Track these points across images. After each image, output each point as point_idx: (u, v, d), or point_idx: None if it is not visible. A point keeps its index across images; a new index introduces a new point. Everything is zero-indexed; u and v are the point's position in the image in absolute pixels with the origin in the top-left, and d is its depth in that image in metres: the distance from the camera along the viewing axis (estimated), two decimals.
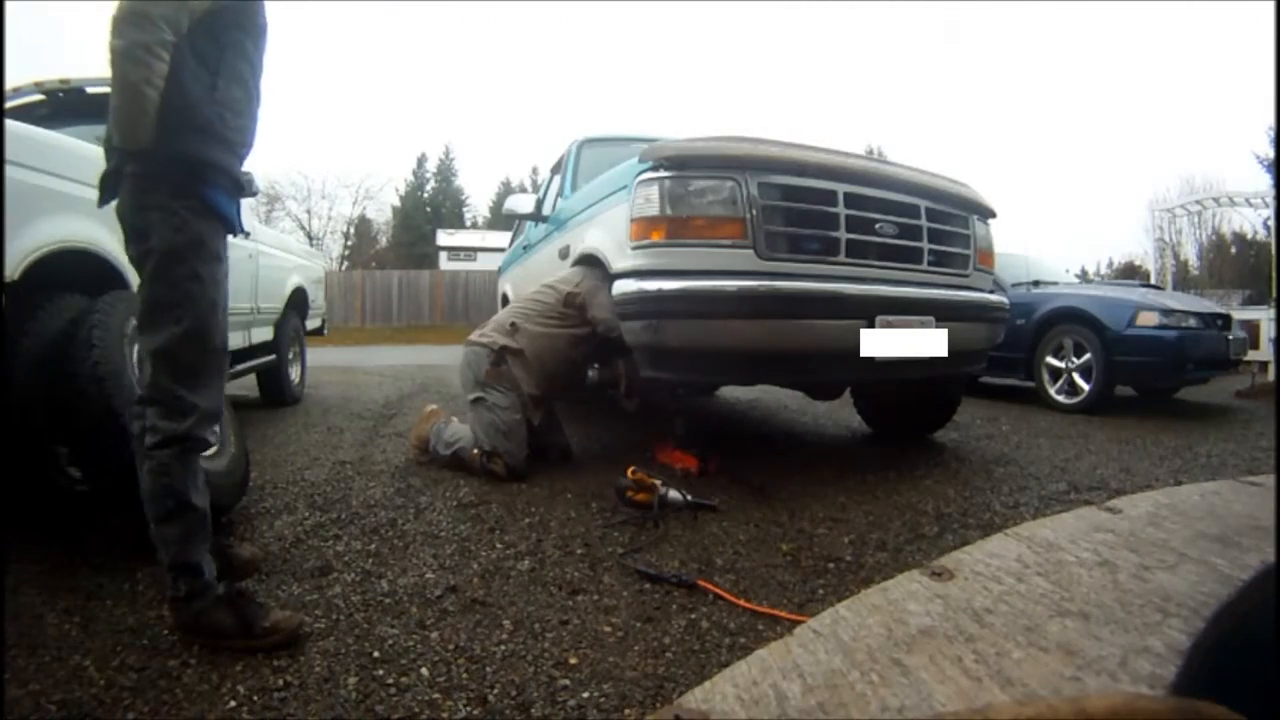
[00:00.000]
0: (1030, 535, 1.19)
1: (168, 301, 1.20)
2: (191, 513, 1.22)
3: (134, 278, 1.34)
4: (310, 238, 28.27)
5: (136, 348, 1.58)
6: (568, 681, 1.11)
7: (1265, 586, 0.99)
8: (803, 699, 0.70)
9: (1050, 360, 4.46)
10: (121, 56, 1.11)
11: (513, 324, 2.53)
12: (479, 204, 36.86)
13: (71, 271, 1.83)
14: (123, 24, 1.11)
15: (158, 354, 1.21)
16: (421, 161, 35.55)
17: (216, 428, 1.34)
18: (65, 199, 1.82)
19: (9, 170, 1.60)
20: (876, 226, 2.29)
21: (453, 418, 2.75)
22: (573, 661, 1.18)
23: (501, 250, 6.33)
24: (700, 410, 4.21)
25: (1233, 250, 20.66)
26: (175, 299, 1.20)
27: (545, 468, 2.57)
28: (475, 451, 2.44)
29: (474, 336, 2.60)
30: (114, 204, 1.26)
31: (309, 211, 29.92)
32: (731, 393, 5.02)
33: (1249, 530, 1.20)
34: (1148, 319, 4.11)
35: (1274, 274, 8.85)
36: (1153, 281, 9.42)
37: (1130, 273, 22.30)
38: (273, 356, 4.13)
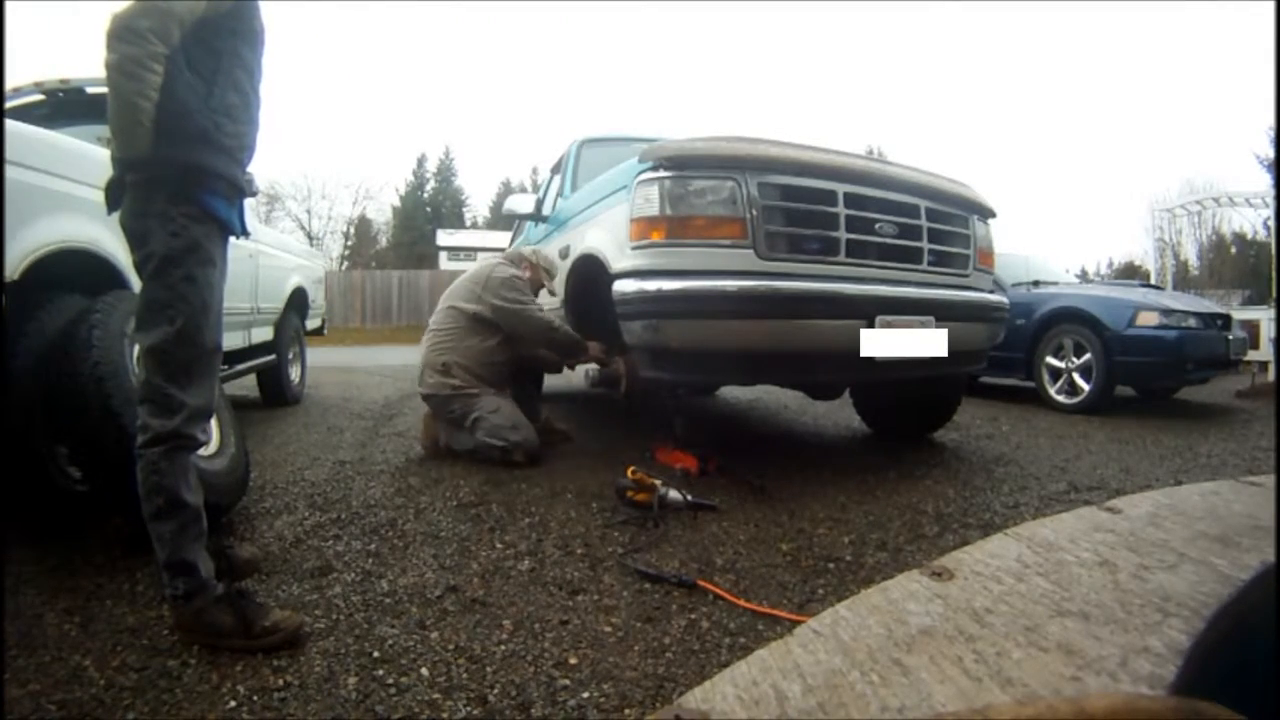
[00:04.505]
0: (1030, 535, 1.19)
1: (162, 302, 1.23)
2: (183, 510, 1.23)
3: (136, 280, 1.35)
4: (310, 238, 28.22)
5: (135, 348, 1.59)
6: (568, 681, 1.11)
7: (1265, 586, 0.99)
8: (803, 699, 0.69)
9: (1050, 360, 4.46)
10: (114, 70, 1.14)
11: (444, 363, 2.69)
12: (479, 204, 36.80)
13: (71, 271, 1.83)
14: (114, 39, 1.13)
15: (151, 352, 1.23)
16: (421, 161, 35.47)
17: (208, 426, 1.35)
18: (65, 199, 1.82)
19: (9, 170, 1.60)
20: (876, 226, 2.29)
21: None
22: (573, 661, 1.18)
23: (501, 250, 6.34)
24: (700, 410, 4.21)
25: (1233, 250, 20.64)
26: (169, 300, 1.23)
27: (545, 468, 2.57)
28: (498, 453, 2.60)
29: (425, 391, 2.75)
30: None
31: (309, 211, 29.89)
32: (731, 393, 5.03)
33: (1249, 530, 1.20)
34: (1148, 319, 4.11)
35: (1274, 274, 8.85)
36: (1153, 281, 9.41)
37: (1130, 273, 22.29)
38: (273, 356, 4.13)
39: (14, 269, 1.61)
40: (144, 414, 1.23)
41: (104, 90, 1.19)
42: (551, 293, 2.99)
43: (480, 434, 2.59)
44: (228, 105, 1.30)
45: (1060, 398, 4.36)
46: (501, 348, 2.77)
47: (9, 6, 1.32)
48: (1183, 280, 16.73)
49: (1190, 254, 19.90)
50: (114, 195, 1.26)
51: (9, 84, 2.90)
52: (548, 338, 2.73)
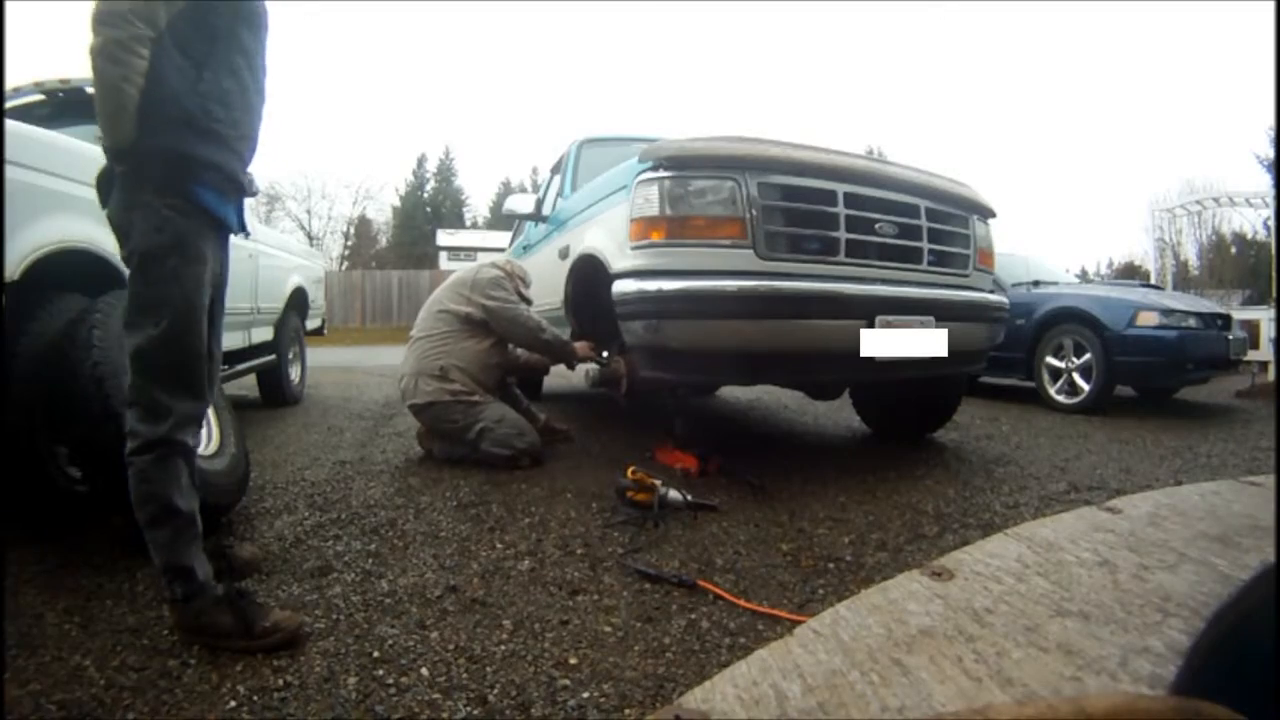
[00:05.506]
0: (1030, 535, 1.19)
1: (146, 303, 1.17)
2: (176, 516, 1.20)
3: None
4: (310, 238, 28.26)
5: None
6: (568, 681, 1.11)
7: (1265, 586, 0.99)
8: (803, 699, 0.69)
9: (1050, 360, 4.46)
10: (98, 55, 1.10)
11: (441, 367, 2.65)
12: (479, 204, 36.87)
13: (71, 271, 1.83)
14: (98, 23, 1.09)
15: (136, 355, 1.18)
16: (421, 161, 35.53)
17: (199, 431, 1.31)
18: (65, 199, 1.82)
19: (9, 170, 1.60)
20: (876, 226, 2.29)
21: None
22: (573, 661, 1.18)
23: (501, 250, 6.34)
24: (700, 410, 4.21)
25: (1233, 250, 20.61)
26: (152, 299, 1.17)
27: (546, 468, 2.57)
28: (504, 462, 2.58)
29: (421, 401, 2.67)
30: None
31: (309, 211, 29.95)
32: (731, 393, 5.03)
33: (1249, 530, 1.20)
34: (1148, 319, 4.11)
35: (1274, 274, 8.85)
36: (1153, 281, 9.41)
37: (1130, 273, 22.28)
38: (273, 356, 4.13)
39: (14, 269, 1.61)
40: (132, 419, 1.19)
41: None
42: (528, 301, 2.98)
43: (486, 444, 2.57)
44: (221, 91, 1.22)
45: (1060, 398, 4.36)
46: (496, 349, 2.77)
47: (9, 6, 1.32)
48: (1183, 280, 16.71)
49: (1190, 254, 19.87)
50: (105, 188, 1.22)
51: (9, 84, 2.90)
52: (536, 338, 2.73)
